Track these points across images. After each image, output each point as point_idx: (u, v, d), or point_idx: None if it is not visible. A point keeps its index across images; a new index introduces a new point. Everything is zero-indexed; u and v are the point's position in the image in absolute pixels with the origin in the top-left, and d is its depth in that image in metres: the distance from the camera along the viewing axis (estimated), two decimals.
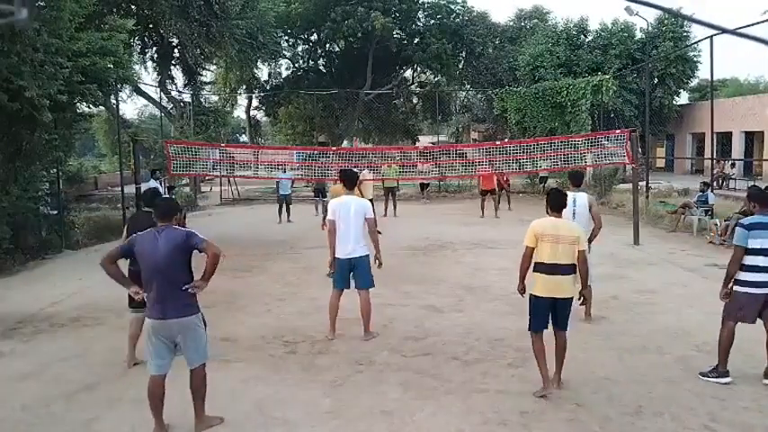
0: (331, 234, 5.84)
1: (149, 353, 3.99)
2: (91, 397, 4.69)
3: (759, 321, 4.78)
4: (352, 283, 5.88)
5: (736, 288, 4.74)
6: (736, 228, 4.86)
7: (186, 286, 3.90)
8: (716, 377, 4.76)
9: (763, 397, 4.47)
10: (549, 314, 4.57)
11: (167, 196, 4.22)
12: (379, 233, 6.12)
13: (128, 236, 5.72)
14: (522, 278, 4.67)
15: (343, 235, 5.74)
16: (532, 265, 4.60)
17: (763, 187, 5.86)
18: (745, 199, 5.21)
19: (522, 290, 4.71)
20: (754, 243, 4.63)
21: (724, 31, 2.24)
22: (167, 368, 4.00)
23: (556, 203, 4.68)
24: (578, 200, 6.36)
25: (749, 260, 4.66)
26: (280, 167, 14.64)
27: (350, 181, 6.02)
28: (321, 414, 4.31)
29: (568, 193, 6.36)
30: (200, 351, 4.05)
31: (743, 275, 4.70)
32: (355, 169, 14.11)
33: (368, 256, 5.81)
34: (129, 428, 4.13)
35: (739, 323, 4.80)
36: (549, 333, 4.64)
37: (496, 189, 15.53)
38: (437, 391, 4.69)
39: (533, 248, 4.56)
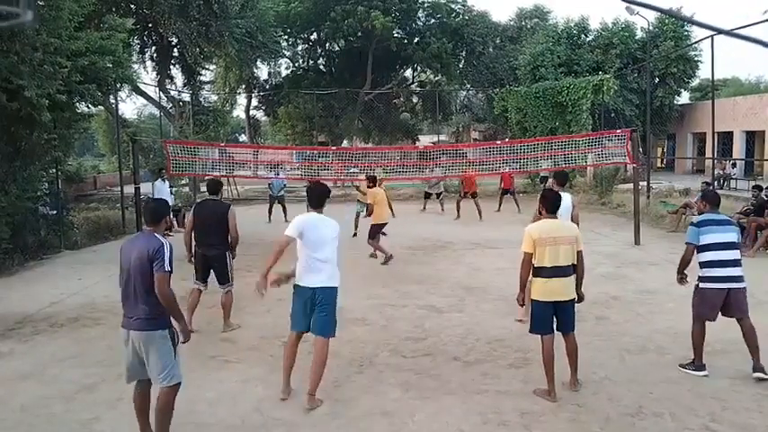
0: (278, 252, 4.48)
1: (123, 360, 3.80)
2: (90, 397, 4.67)
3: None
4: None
5: (701, 285, 4.88)
6: (689, 226, 5.09)
7: (180, 341, 3.75)
8: (693, 369, 4.90)
9: (764, 397, 4.45)
10: (552, 317, 4.49)
11: (160, 198, 4.16)
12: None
13: (193, 222, 6.11)
14: (523, 287, 4.60)
15: (308, 261, 4.52)
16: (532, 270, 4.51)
17: (763, 187, 5.88)
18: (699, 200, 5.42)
19: (522, 300, 4.65)
20: (705, 239, 4.82)
21: (720, 32, 2.22)
22: (138, 377, 3.76)
23: (552, 205, 4.60)
24: (564, 200, 6.32)
25: (706, 256, 4.84)
26: (272, 168, 14.71)
27: (318, 198, 4.69)
28: (321, 414, 4.30)
29: None
30: (164, 371, 3.63)
31: (704, 272, 4.86)
32: (354, 169, 14.07)
33: (336, 289, 4.59)
34: (129, 428, 4.11)
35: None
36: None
37: (477, 192, 15.44)
38: (437, 391, 4.67)
39: (532, 254, 4.45)
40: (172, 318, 3.70)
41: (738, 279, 4.82)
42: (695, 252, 4.89)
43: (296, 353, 4.63)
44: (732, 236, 4.87)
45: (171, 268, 3.62)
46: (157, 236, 3.70)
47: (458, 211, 15.22)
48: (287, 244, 4.54)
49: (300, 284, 4.61)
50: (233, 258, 6.31)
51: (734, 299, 4.79)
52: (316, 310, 4.48)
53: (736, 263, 4.82)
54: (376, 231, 9.86)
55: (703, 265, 4.85)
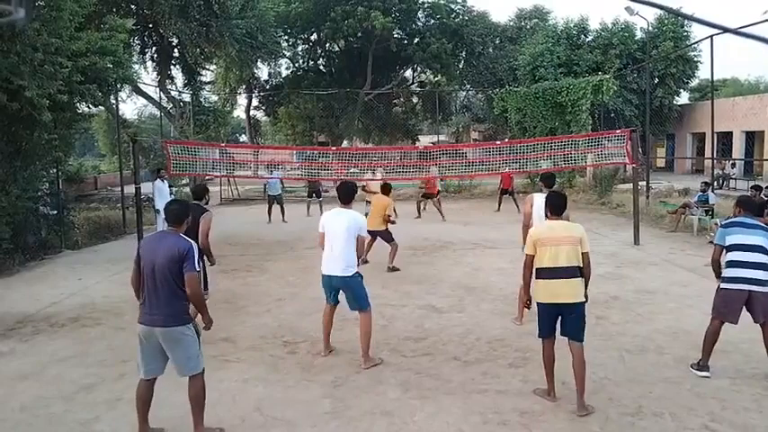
0: (322, 247, 5.32)
1: (139, 356, 3.91)
2: (90, 397, 4.69)
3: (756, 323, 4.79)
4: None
5: (721, 285, 4.87)
6: (718, 228, 5.10)
7: (203, 328, 4.02)
8: (696, 369, 4.91)
9: (764, 397, 4.46)
10: (555, 321, 4.39)
11: (179, 199, 4.22)
12: (366, 261, 5.81)
13: None
14: (527, 288, 4.55)
15: (327, 251, 5.19)
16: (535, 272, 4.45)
17: (763, 186, 5.89)
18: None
19: (528, 302, 4.60)
20: (729, 240, 4.85)
21: (725, 30, 2.23)
22: (157, 372, 3.93)
23: (555, 206, 4.55)
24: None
25: (729, 256, 4.85)
26: (267, 167, 14.77)
27: (345, 195, 5.36)
28: (321, 414, 4.31)
29: (540, 194, 6.29)
30: (191, 362, 3.86)
31: (726, 272, 4.85)
32: (354, 169, 14.05)
33: (357, 275, 5.17)
34: (128, 428, 4.12)
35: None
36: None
37: (439, 192, 15.73)
38: (437, 391, 4.68)
39: (533, 256, 4.42)
40: (199, 311, 3.95)
41: (761, 282, 4.64)
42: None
43: (331, 321, 5.44)
44: (759, 239, 4.72)
45: (199, 268, 3.85)
46: (184, 237, 3.89)
47: (418, 211, 15.62)
48: (322, 238, 5.29)
49: (322, 272, 5.27)
50: (211, 264, 6.24)
51: (757, 302, 4.67)
52: (346, 296, 5.24)
53: (760, 266, 4.67)
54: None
55: (726, 264, 4.84)
